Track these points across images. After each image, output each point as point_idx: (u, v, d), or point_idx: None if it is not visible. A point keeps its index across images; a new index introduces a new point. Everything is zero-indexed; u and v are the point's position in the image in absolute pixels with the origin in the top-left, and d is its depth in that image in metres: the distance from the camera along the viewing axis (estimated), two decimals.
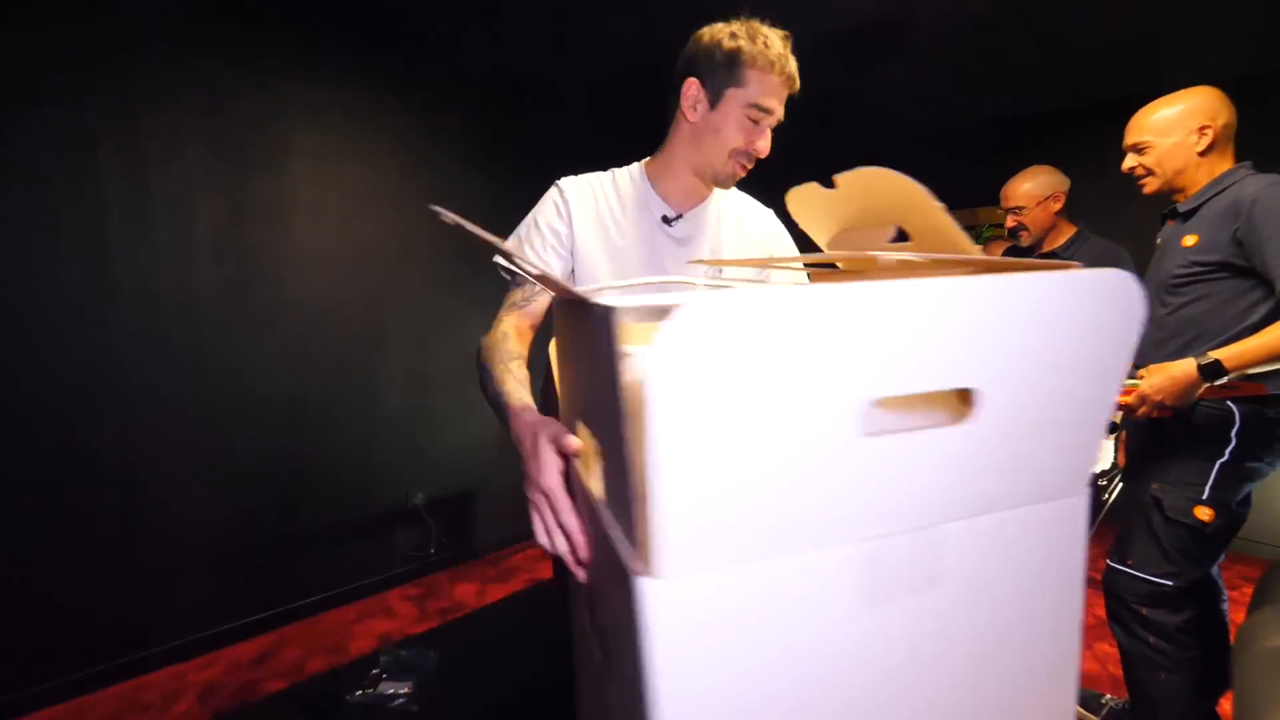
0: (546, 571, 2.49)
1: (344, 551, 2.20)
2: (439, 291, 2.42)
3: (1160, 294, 1.35)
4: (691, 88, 0.86)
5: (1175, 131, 1.28)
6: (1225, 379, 1.15)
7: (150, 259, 1.77)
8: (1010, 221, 1.91)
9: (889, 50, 2.35)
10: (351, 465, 2.20)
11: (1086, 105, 2.84)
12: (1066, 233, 1.86)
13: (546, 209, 0.92)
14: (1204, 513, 1.23)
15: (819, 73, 2.54)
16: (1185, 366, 1.18)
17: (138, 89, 1.71)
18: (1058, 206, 1.84)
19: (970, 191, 3.11)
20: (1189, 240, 1.28)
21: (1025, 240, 1.90)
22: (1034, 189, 1.84)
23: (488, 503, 2.65)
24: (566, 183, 0.93)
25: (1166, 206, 1.40)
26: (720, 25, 0.86)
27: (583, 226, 0.91)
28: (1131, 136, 1.35)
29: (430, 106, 2.31)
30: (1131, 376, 1.28)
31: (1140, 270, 1.58)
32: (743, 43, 0.83)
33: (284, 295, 2.01)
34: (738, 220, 1.01)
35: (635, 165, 0.98)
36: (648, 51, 2.39)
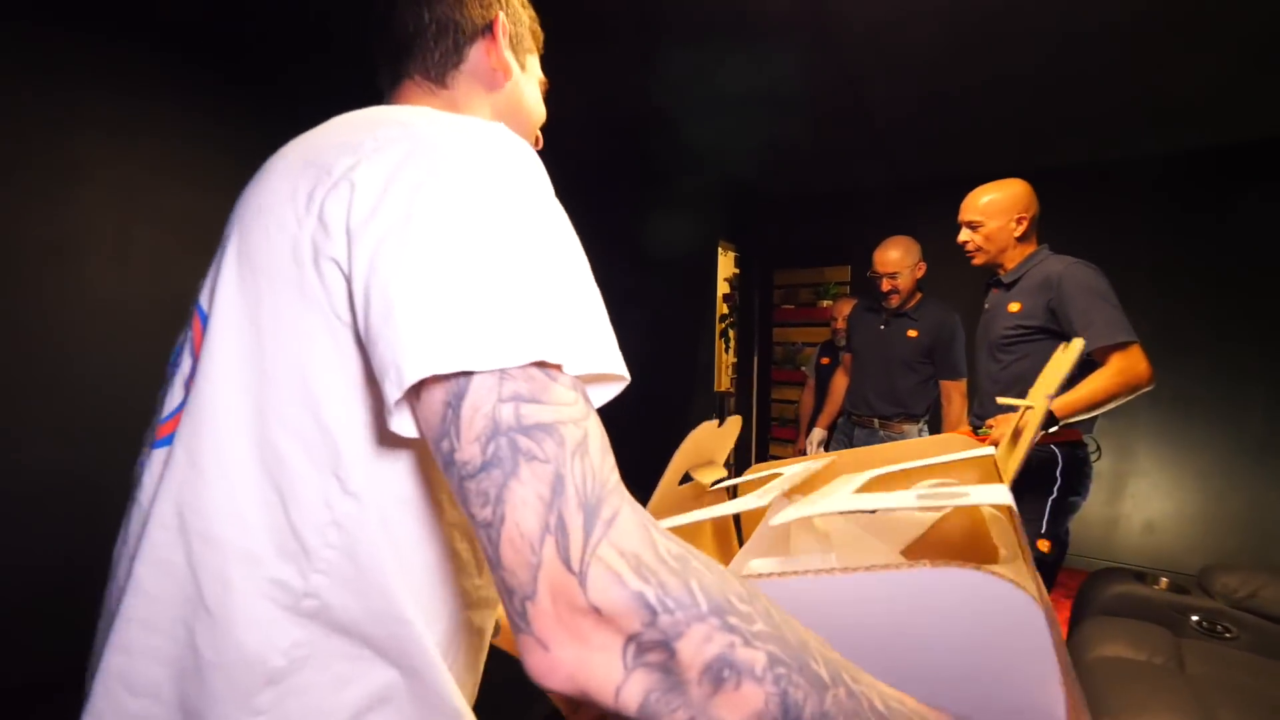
0: None
1: None
2: None
3: (993, 352, 1.55)
4: (500, 33, 0.56)
5: (1001, 216, 1.52)
6: (1055, 426, 1.33)
7: None
8: (886, 285, 2.08)
9: (753, 126, 2.54)
10: None
11: (903, 183, 3.30)
12: (917, 296, 2.11)
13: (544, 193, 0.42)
14: (1043, 545, 1.40)
15: (688, 131, 2.70)
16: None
17: None
18: (921, 273, 2.08)
19: (817, 252, 3.46)
20: (1014, 307, 1.49)
21: (895, 302, 2.10)
22: (908, 257, 2.06)
23: None
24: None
25: (988, 276, 1.64)
26: None
27: None
28: (968, 214, 1.56)
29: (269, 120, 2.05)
30: (981, 428, 1.44)
31: (969, 329, 1.83)
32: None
33: (70, 353, 1.61)
34: None
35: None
36: None
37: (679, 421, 2.86)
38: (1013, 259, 1.55)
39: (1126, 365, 1.32)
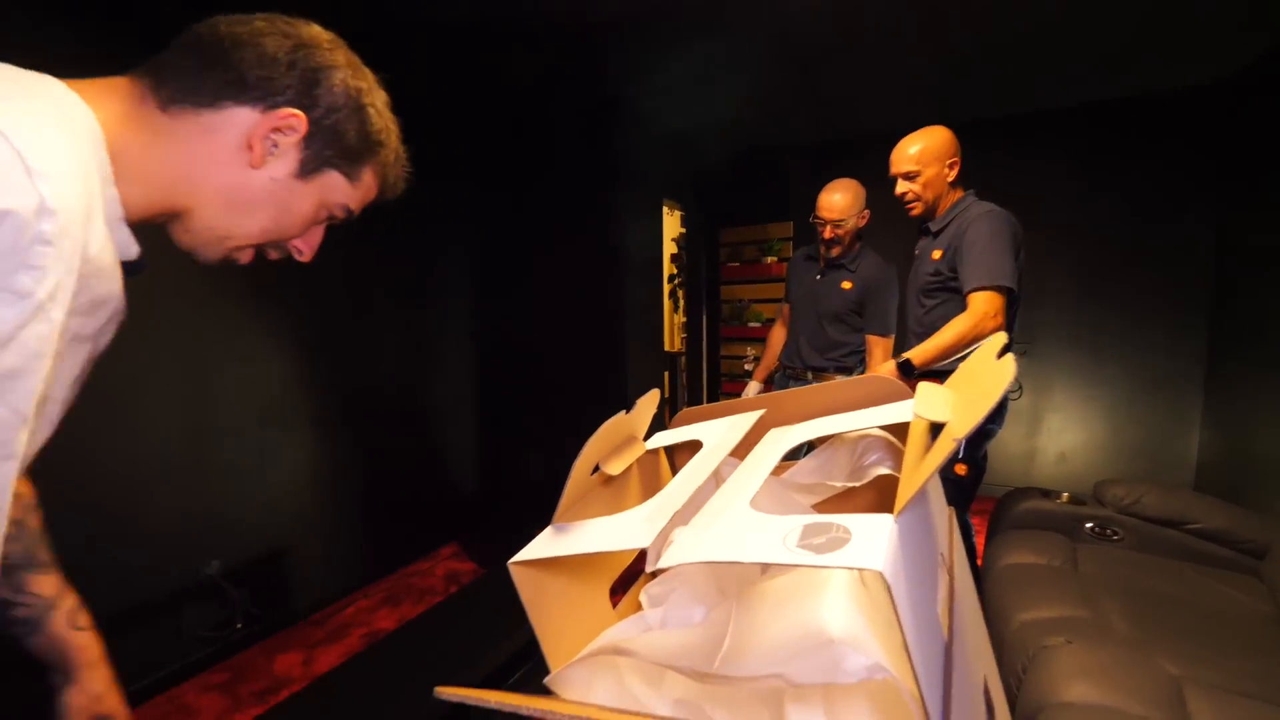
0: (386, 621, 2.26)
1: (114, 647, 1.76)
2: (219, 310, 2.05)
3: (919, 297, 1.67)
4: (292, 125, 0.52)
5: (935, 163, 1.59)
6: (914, 374, 1.44)
7: None
8: (829, 233, 2.01)
9: (693, 86, 2.56)
10: (112, 537, 1.77)
11: (841, 138, 3.38)
12: (855, 247, 2.11)
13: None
14: (960, 469, 1.56)
15: (628, 91, 2.70)
16: (889, 368, 1.50)
17: None
18: (865, 221, 2.04)
19: (760, 209, 3.54)
20: (936, 254, 1.60)
21: (837, 252, 2.06)
22: (855, 203, 1.97)
23: (304, 558, 2.32)
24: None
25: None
26: (361, 88, 0.56)
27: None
28: (902, 165, 1.63)
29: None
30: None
31: (902, 279, 1.94)
32: (388, 138, 0.59)
33: None
34: None
35: (85, 121, 0.45)
36: None
37: (634, 387, 2.94)
38: (944, 205, 1.63)
39: (980, 310, 1.41)
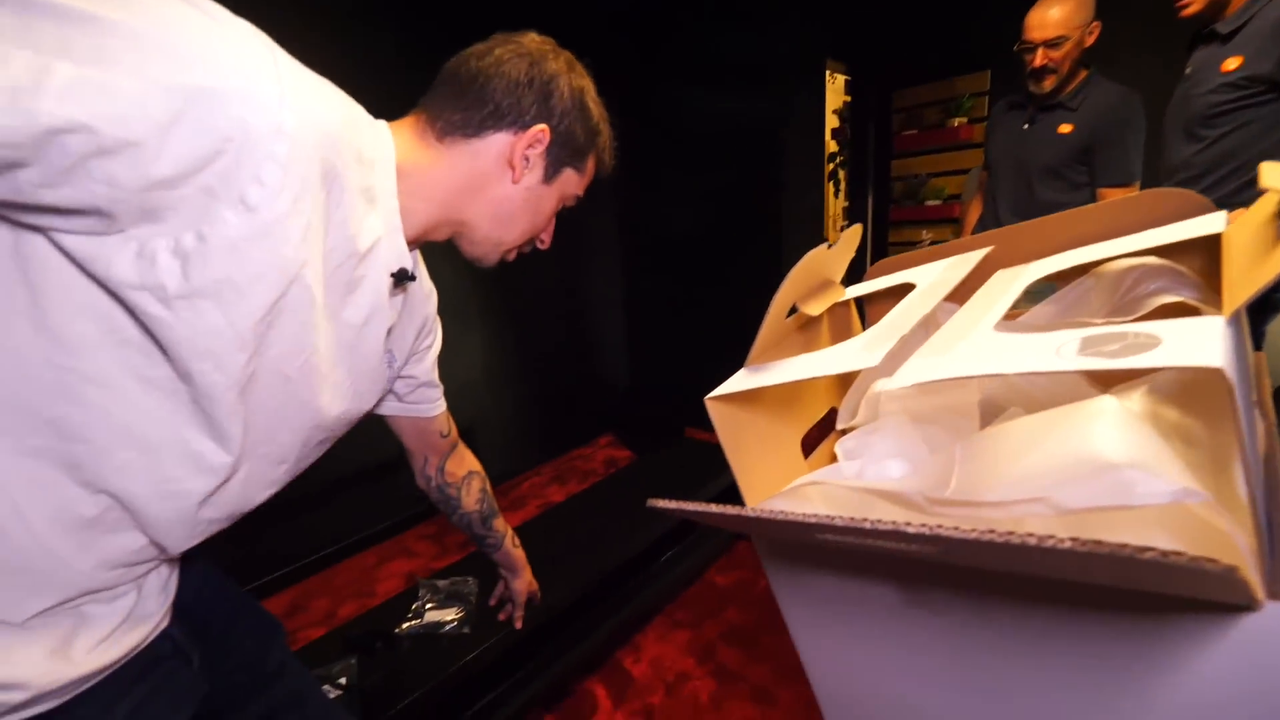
0: (556, 495, 2.48)
1: (353, 499, 2.13)
2: None
3: (1192, 129, 1.29)
4: (539, 139, 0.60)
5: None
6: None
7: None
8: (1041, 59, 1.56)
9: None
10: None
11: None
12: (1079, 76, 1.64)
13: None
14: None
15: None
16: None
17: None
18: (1093, 40, 1.56)
19: (945, 61, 2.96)
20: (1231, 63, 1.20)
21: (1050, 85, 1.59)
22: (1076, 14, 1.50)
23: (486, 437, 2.59)
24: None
25: (1193, 31, 1.31)
26: (583, 86, 0.64)
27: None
28: None
29: None
30: None
31: (1153, 118, 1.52)
32: (603, 125, 0.67)
33: None
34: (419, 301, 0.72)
35: (386, 140, 0.54)
36: None
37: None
38: (1237, 1, 1.21)
39: None
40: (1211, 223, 0.54)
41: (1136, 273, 0.58)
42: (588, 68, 0.66)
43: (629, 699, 1.44)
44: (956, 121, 2.92)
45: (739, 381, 0.58)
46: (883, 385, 0.67)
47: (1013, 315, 0.71)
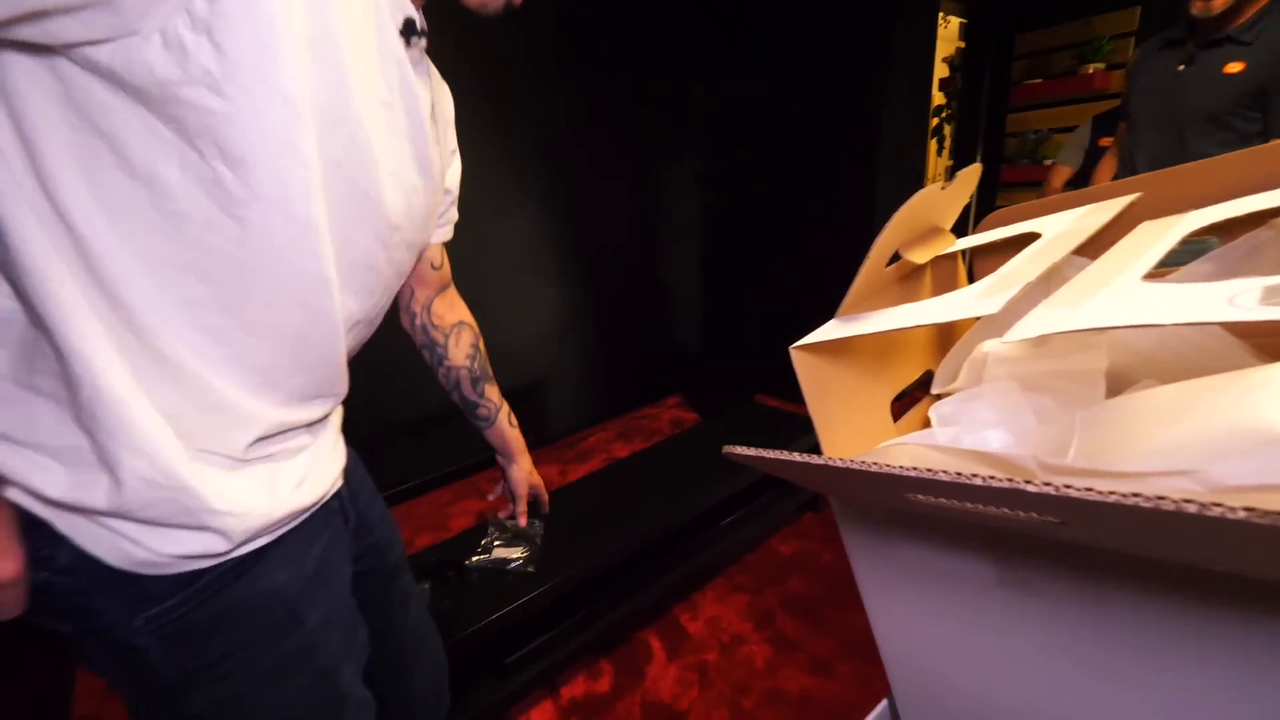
0: (621, 451, 2.51)
1: (430, 441, 2.25)
2: (482, 167, 2.26)
3: None
4: None
5: None
6: None
7: None
8: None
9: None
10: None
11: None
12: (1258, 4, 1.38)
13: None
14: None
15: None
16: None
17: None
18: None
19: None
20: None
21: (1217, 6, 1.36)
22: None
23: (556, 391, 2.64)
24: None
25: None
26: None
27: None
28: None
29: None
30: None
31: None
32: None
33: None
34: (437, 84, 0.66)
35: None
36: None
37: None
38: None
39: None
40: None
41: None
42: None
43: (684, 654, 1.45)
44: (1092, 68, 2.56)
45: (829, 331, 0.53)
46: (991, 345, 0.60)
47: (1159, 275, 0.62)
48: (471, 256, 2.29)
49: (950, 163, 3.28)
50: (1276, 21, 1.36)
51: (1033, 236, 0.60)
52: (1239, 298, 0.32)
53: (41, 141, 0.37)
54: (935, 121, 3.27)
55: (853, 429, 0.57)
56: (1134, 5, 2.42)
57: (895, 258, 0.61)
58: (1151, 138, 1.57)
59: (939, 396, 0.68)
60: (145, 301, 0.41)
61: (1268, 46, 1.36)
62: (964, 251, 0.69)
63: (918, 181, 2.79)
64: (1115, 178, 1.71)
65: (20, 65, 0.35)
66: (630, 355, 2.91)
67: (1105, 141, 2.13)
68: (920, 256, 0.58)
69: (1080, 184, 2.25)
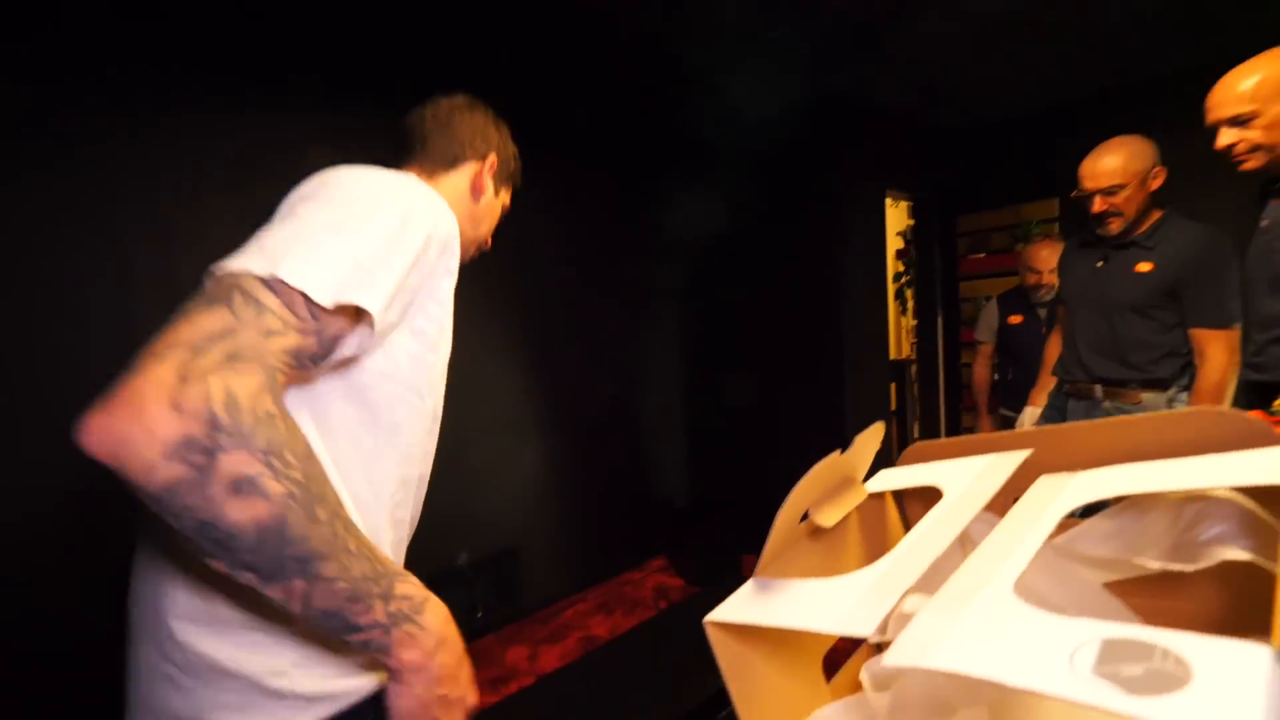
0: (600, 627, 2.36)
1: None
2: (470, 328, 2.36)
3: (1278, 283, 1.19)
4: (493, 164, 0.85)
5: None
6: None
7: None
8: (1099, 205, 1.56)
9: (901, 47, 2.24)
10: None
11: (1127, 84, 2.65)
12: (1154, 216, 1.59)
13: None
14: None
15: (824, 71, 2.44)
16: None
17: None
18: (1158, 184, 1.54)
19: (1012, 187, 2.95)
20: None
21: (1115, 228, 1.57)
22: (1133, 162, 1.51)
23: (532, 558, 2.55)
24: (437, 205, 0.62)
25: (1261, 183, 1.25)
26: (503, 127, 0.89)
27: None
28: (1228, 108, 1.20)
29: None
30: (1271, 405, 1.11)
31: (1241, 255, 1.42)
32: (516, 155, 0.91)
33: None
34: None
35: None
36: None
37: (853, 399, 2.66)
38: None
39: None
40: (1265, 465, 0.47)
41: (1197, 508, 0.51)
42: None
43: None
44: (1022, 247, 2.85)
45: (741, 608, 0.53)
46: (913, 603, 0.61)
47: (1063, 525, 0.64)
48: (454, 419, 2.33)
49: (914, 322, 3.49)
50: (1173, 229, 1.57)
51: (937, 494, 0.62)
52: (1078, 655, 0.33)
53: (332, 417, 0.57)
54: (897, 286, 3.54)
55: (779, 703, 0.55)
56: (1054, 197, 2.75)
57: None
58: (1086, 323, 1.71)
59: (878, 645, 0.67)
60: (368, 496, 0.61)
61: (1169, 251, 1.55)
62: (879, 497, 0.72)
63: (882, 338, 2.94)
64: (1060, 357, 1.83)
65: (327, 379, 0.56)
66: (611, 515, 2.85)
67: (1014, 319, 2.41)
68: (827, 519, 0.60)
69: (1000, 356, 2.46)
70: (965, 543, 0.63)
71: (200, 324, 0.42)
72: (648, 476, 3.08)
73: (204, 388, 0.39)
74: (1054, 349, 1.93)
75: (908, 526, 0.76)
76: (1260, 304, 1.24)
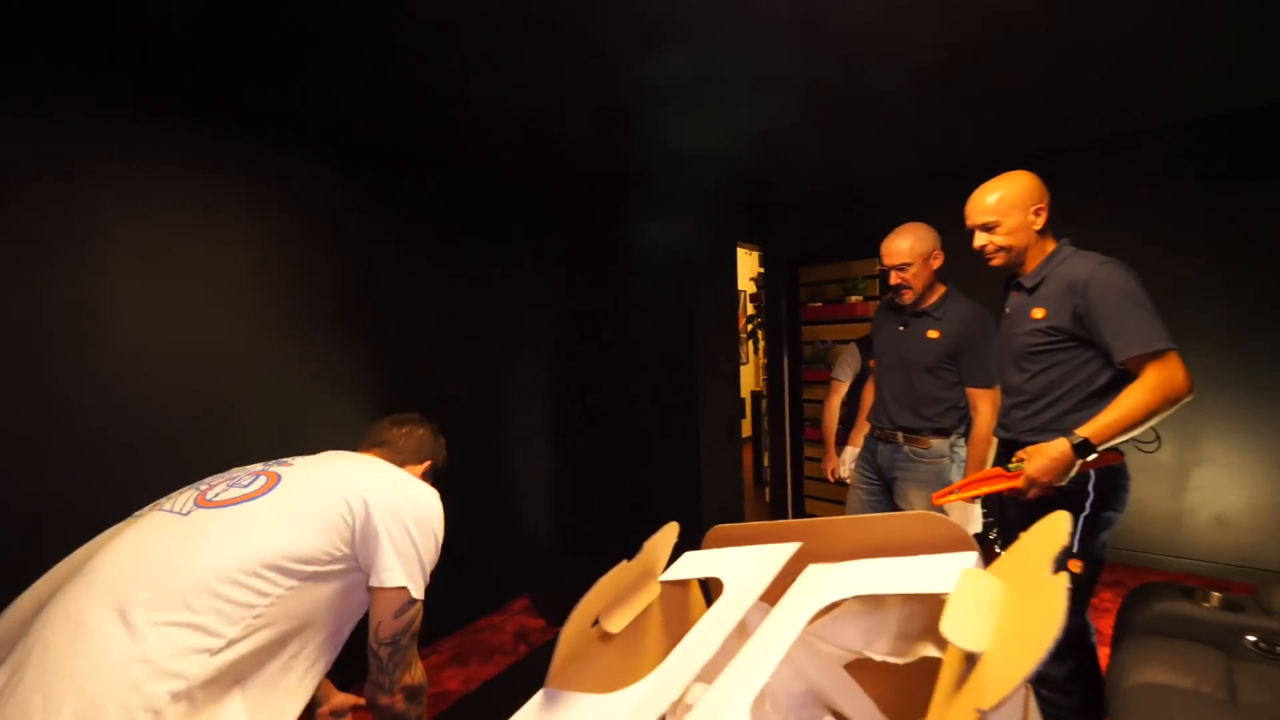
0: (453, 682, 2.26)
1: None
2: (316, 397, 2.20)
3: (1018, 361, 1.46)
4: (430, 467, 1.26)
5: (1017, 212, 1.42)
6: (1094, 455, 1.24)
7: None
8: (895, 278, 1.88)
9: (761, 120, 2.47)
10: None
11: (942, 168, 3.13)
12: (939, 291, 1.91)
13: None
14: (1075, 565, 1.32)
15: (663, 129, 2.63)
16: (1060, 447, 1.26)
17: None
18: (938, 264, 1.88)
19: (843, 244, 3.34)
20: (1038, 313, 1.40)
21: (908, 299, 1.89)
22: (918, 245, 1.84)
23: None
24: None
25: (1008, 274, 1.54)
26: (443, 439, 1.30)
27: None
28: (980, 217, 1.46)
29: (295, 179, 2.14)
30: (1010, 461, 1.36)
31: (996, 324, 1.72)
32: (445, 457, 1.32)
33: (97, 414, 1.72)
34: None
35: None
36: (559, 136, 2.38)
37: (708, 434, 2.83)
38: (1034, 258, 1.44)
39: (1164, 376, 1.22)
40: (947, 576, 0.59)
41: (910, 610, 0.64)
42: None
43: None
44: (853, 299, 3.25)
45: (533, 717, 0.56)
46: (696, 694, 0.67)
47: (823, 612, 0.75)
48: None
49: (764, 360, 3.80)
50: (956, 305, 1.89)
51: (719, 584, 0.70)
52: None
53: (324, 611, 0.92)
54: (750, 327, 3.83)
55: None
56: (872, 258, 3.16)
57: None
58: (891, 377, 1.99)
59: None
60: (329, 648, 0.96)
61: (952, 322, 1.87)
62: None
63: (734, 377, 3.17)
64: (873, 404, 2.10)
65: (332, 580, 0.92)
66: (470, 556, 2.76)
67: (874, 363, 2.66)
68: (615, 626, 0.65)
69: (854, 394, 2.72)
70: (744, 631, 0.70)
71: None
72: (509, 516, 3.03)
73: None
74: (869, 397, 2.21)
75: (709, 600, 0.84)
76: (1007, 375, 1.52)
